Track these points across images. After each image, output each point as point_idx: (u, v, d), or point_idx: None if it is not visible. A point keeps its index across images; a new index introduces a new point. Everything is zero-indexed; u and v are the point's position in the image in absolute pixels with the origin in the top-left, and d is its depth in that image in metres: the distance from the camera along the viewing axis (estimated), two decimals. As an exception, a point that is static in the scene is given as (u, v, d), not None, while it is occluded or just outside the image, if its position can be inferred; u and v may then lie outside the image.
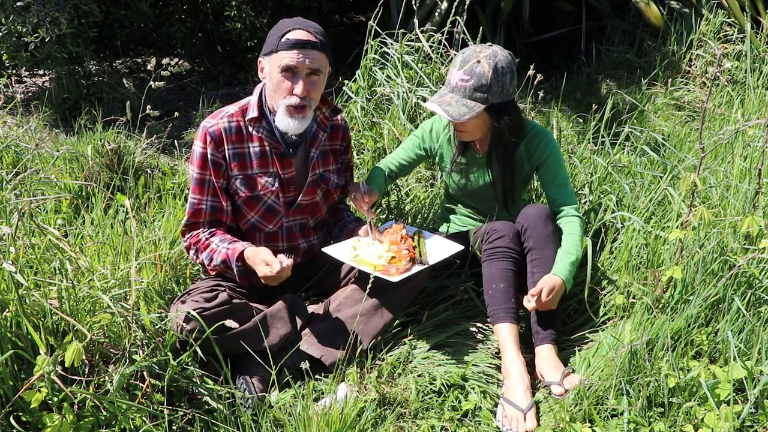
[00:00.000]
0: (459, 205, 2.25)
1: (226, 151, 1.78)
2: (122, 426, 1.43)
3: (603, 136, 2.75)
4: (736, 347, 1.56)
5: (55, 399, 1.38)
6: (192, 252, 1.85)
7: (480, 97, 1.86)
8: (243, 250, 1.76)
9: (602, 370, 1.71)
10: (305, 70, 1.70)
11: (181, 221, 1.87)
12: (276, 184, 1.84)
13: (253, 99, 1.82)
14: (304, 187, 1.89)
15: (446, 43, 3.10)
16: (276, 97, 1.74)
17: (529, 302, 1.83)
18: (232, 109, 1.81)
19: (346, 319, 1.84)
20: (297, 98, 1.71)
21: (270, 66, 1.72)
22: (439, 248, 1.92)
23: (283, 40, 1.68)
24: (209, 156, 1.77)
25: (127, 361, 1.52)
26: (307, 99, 1.73)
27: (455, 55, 1.93)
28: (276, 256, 1.69)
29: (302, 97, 1.71)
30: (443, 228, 2.26)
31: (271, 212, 1.88)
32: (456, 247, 1.91)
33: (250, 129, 1.80)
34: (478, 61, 1.84)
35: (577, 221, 1.99)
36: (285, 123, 1.75)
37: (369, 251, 1.84)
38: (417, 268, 1.81)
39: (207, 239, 1.82)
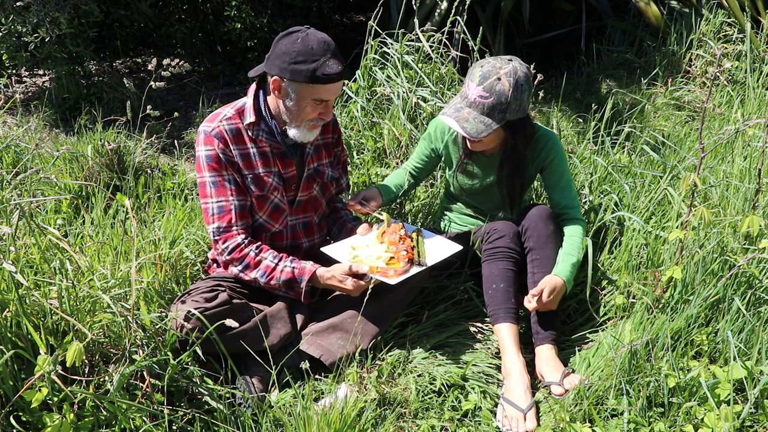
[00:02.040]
0: (460, 204, 2.25)
1: (234, 151, 1.78)
2: (122, 426, 1.43)
3: (603, 136, 2.75)
4: (736, 347, 1.56)
5: (55, 399, 1.38)
6: (237, 268, 1.81)
7: (498, 116, 1.84)
8: (315, 271, 1.79)
9: (602, 370, 1.71)
10: (334, 98, 1.76)
11: (211, 230, 1.79)
12: (281, 184, 1.85)
13: (248, 102, 1.81)
14: (301, 183, 1.90)
15: (446, 43, 3.10)
16: (298, 118, 1.76)
17: (529, 303, 1.83)
18: (229, 111, 1.80)
19: (346, 319, 1.84)
20: (323, 120, 1.78)
21: (298, 93, 1.71)
22: (438, 248, 1.91)
23: (319, 75, 1.66)
24: (221, 155, 1.76)
25: (127, 361, 1.52)
26: None
27: (472, 65, 1.90)
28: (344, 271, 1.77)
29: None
30: (443, 228, 2.26)
31: (277, 211, 1.88)
32: (455, 248, 1.90)
33: (250, 132, 1.80)
34: (499, 79, 1.80)
35: (579, 224, 1.99)
36: (304, 136, 1.79)
37: (367, 252, 1.84)
38: (415, 270, 1.81)
39: (257, 255, 1.80)
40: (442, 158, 2.19)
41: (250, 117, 1.79)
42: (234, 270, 1.82)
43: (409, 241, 1.87)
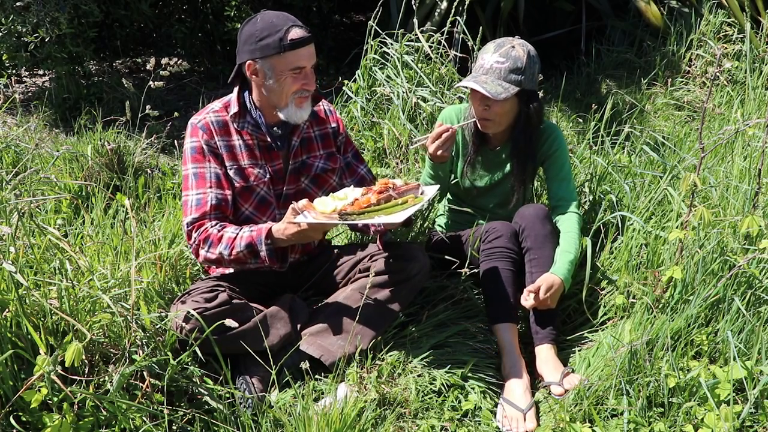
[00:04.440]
0: (463, 204, 2.24)
1: (218, 142, 1.80)
2: (122, 426, 1.43)
3: (603, 136, 2.75)
4: (736, 347, 1.56)
5: (55, 399, 1.38)
6: (204, 249, 1.76)
7: (515, 80, 1.88)
8: (270, 227, 1.74)
9: (602, 370, 1.71)
10: (310, 64, 1.75)
11: (185, 222, 1.78)
12: (267, 176, 1.85)
13: (233, 96, 1.84)
14: (287, 176, 1.90)
15: (446, 43, 3.10)
16: (283, 95, 1.76)
17: (526, 300, 1.83)
18: (216, 105, 1.85)
19: (346, 319, 1.84)
20: (307, 90, 1.77)
21: (274, 68, 1.72)
22: (406, 213, 1.68)
23: (286, 42, 1.68)
24: (205, 146, 1.78)
25: (127, 361, 1.52)
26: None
27: (479, 49, 1.95)
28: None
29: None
30: (443, 227, 2.26)
31: (264, 204, 1.88)
32: (409, 210, 1.67)
33: (235, 124, 1.82)
34: (513, 46, 1.90)
35: (575, 218, 1.99)
36: (296, 114, 1.79)
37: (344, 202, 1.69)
38: (346, 222, 1.63)
39: (219, 231, 1.76)
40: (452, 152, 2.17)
41: (234, 108, 1.81)
42: (202, 253, 1.77)
43: (378, 196, 1.67)
